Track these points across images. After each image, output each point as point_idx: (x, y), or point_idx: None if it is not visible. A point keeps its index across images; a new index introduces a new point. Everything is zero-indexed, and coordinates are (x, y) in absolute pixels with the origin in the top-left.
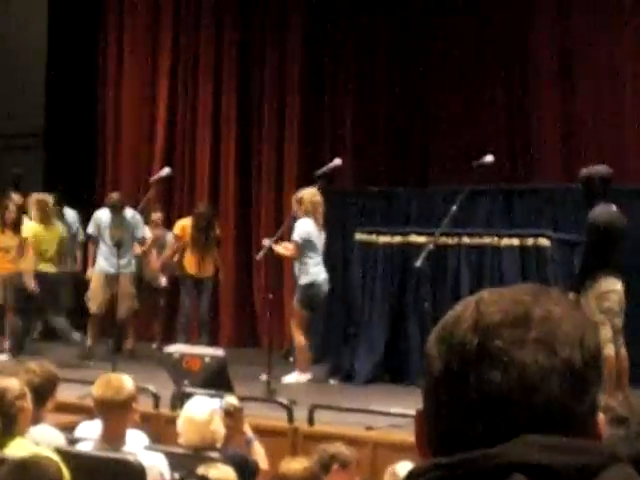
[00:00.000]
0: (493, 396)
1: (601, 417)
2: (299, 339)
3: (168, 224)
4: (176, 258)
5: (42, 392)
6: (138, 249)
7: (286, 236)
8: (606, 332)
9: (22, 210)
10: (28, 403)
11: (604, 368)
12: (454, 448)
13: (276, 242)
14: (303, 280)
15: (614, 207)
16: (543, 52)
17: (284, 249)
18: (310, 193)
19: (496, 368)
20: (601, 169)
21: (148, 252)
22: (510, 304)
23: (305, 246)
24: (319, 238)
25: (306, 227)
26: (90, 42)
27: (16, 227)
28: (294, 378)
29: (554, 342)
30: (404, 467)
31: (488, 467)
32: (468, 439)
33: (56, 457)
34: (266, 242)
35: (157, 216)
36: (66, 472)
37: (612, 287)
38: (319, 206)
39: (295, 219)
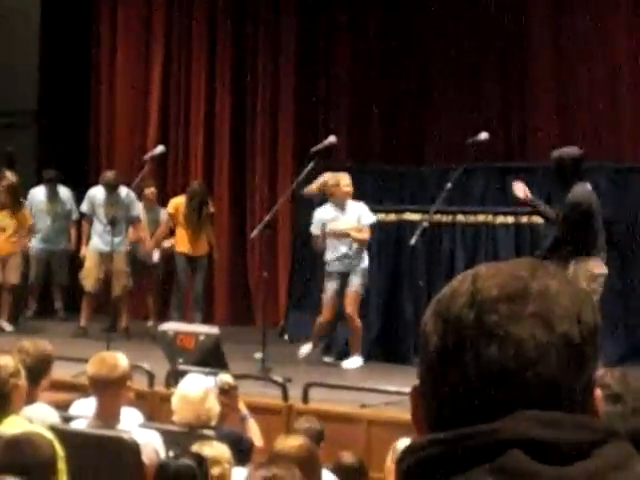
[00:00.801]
0: (490, 371)
1: (598, 393)
2: (359, 324)
3: (162, 202)
4: (167, 241)
5: (36, 371)
6: (132, 235)
7: (282, 220)
8: None
9: (17, 188)
10: (22, 381)
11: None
12: (451, 424)
13: (268, 227)
14: (364, 264)
15: (589, 186)
16: (540, 30)
17: (361, 235)
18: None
19: (493, 343)
20: (572, 150)
21: (143, 234)
22: (507, 279)
23: None
24: None
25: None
26: (84, 19)
27: (13, 206)
28: (358, 362)
29: (551, 317)
30: (404, 443)
31: (485, 442)
32: (465, 415)
33: (50, 434)
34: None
35: (150, 191)
36: (60, 449)
37: (602, 271)
38: None
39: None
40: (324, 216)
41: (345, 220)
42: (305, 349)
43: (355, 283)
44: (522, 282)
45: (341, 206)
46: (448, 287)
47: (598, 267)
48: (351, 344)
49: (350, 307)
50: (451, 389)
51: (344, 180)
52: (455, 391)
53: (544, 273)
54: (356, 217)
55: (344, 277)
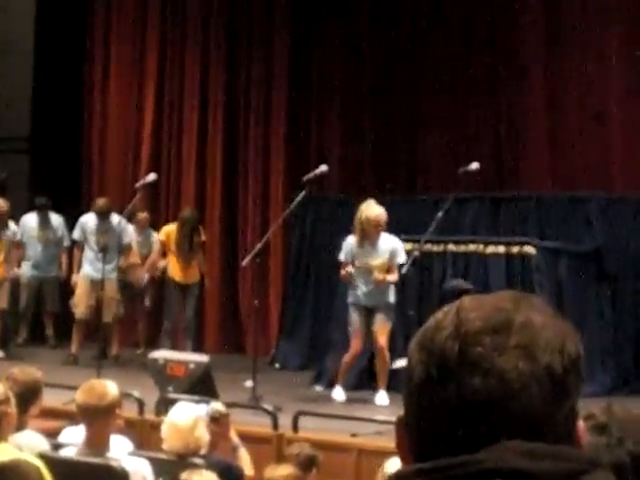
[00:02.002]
0: (474, 402)
1: (581, 423)
2: (389, 357)
3: (154, 229)
4: (161, 265)
5: (26, 398)
6: (124, 263)
7: (274, 248)
8: None
9: (8, 214)
10: (12, 408)
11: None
12: (435, 454)
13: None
14: (392, 298)
15: None
16: (531, 61)
17: (391, 276)
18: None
19: (476, 374)
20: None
21: (134, 262)
22: (491, 311)
23: None
24: None
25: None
26: (77, 48)
27: (2, 233)
28: (386, 399)
29: (534, 349)
30: (393, 464)
31: (469, 472)
32: (449, 445)
33: (39, 462)
34: None
35: (143, 216)
36: (49, 477)
37: None
38: None
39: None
40: (354, 247)
41: (376, 255)
42: (337, 393)
43: (384, 316)
44: (505, 314)
45: (377, 238)
46: (433, 319)
47: None
48: (379, 378)
49: (382, 339)
50: (435, 420)
51: (371, 212)
52: (439, 422)
53: (527, 305)
54: (388, 253)
55: (370, 311)
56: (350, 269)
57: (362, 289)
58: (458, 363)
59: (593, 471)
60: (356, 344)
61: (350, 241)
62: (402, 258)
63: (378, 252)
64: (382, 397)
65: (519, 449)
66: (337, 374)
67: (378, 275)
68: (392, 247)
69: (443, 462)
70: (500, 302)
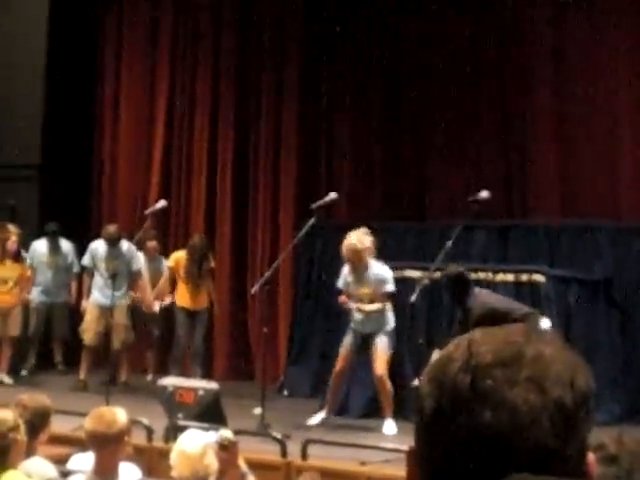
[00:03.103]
0: (484, 435)
1: (591, 456)
2: (390, 386)
3: (164, 256)
4: (167, 298)
5: (35, 424)
6: (135, 293)
7: (283, 275)
8: None
9: (20, 241)
10: (22, 435)
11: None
12: None
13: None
14: (390, 325)
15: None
16: (542, 89)
17: (374, 306)
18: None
19: (487, 408)
20: (453, 269)
21: (144, 289)
22: (502, 344)
23: None
24: None
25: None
26: (88, 74)
27: (15, 258)
28: (393, 428)
29: (545, 382)
30: None
31: None
32: (459, 477)
33: None
34: None
35: (152, 244)
36: None
37: None
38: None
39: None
40: (347, 275)
41: (363, 284)
42: (317, 418)
43: (381, 343)
44: (516, 347)
45: (361, 267)
46: (444, 352)
47: None
48: (383, 407)
49: (379, 368)
50: (445, 452)
51: (345, 241)
52: (449, 454)
53: (538, 339)
54: (375, 283)
55: (367, 338)
56: (344, 298)
57: (357, 317)
58: (469, 396)
59: None
60: (340, 364)
61: (345, 270)
62: (389, 287)
63: (366, 281)
64: (389, 426)
65: None
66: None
67: (366, 307)
68: (379, 276)
69: None
70: (511, 335)
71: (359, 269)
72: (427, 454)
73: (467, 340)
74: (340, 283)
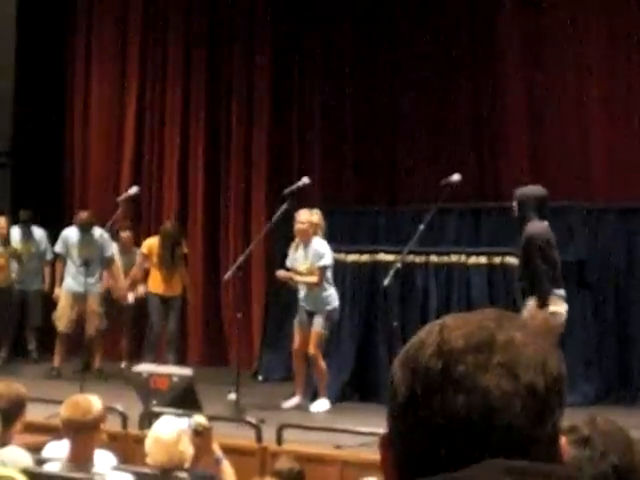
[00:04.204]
0: (457, 421)
1: (563, 440)
2: (323, 366)
3: (136, 243)
4: (141, 286)
5: (10, 414)
6: (107, 280)
7: (256, 260)
8: None
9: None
10: None
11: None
12: (419, 472)
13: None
14: (330, 304)
15: (546, 224)
16: (511, 71)
17: (310, 278)
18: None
19: (460, 393)
20: (536, 189)
21: (117, 276)
22: (473, 329)
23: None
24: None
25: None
26: (58, 59)
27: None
28: (325, 405)
29: (517, 367)
30: None
31: None
32: (432, 463)
33: (23, 478)
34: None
35: (126, 235)
36: None
37: (559, 309)
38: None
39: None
40: (291, 253)
41: (303, 260)
42: (292, 401)
43: (317, 323)
44: (488, 332)
45: (304, 244)
46: (416, 337)
47: (555, 304)
48: (317, 386)
49: (312, 348)
50: (418, 438)
51: (299, 216)
52: (422, 440)
53: (510, 324)
54: (313, 258)
55: (310, 316)
56: (280, 272)
57: (301, 294)
58: (441, 381)
59: None
60: (295, 343)
61: (291, 248)
62: (323, 261)
63: (307, 256)
64: (317, 404)
65: (502, 467)
66: (323, 384)
67: (299, 279)
68: (317, 251)
69: None
70: (483, 320)
71: (304, 245)
72: (400, 440)
73: (439, 325)
74: (288, 261)
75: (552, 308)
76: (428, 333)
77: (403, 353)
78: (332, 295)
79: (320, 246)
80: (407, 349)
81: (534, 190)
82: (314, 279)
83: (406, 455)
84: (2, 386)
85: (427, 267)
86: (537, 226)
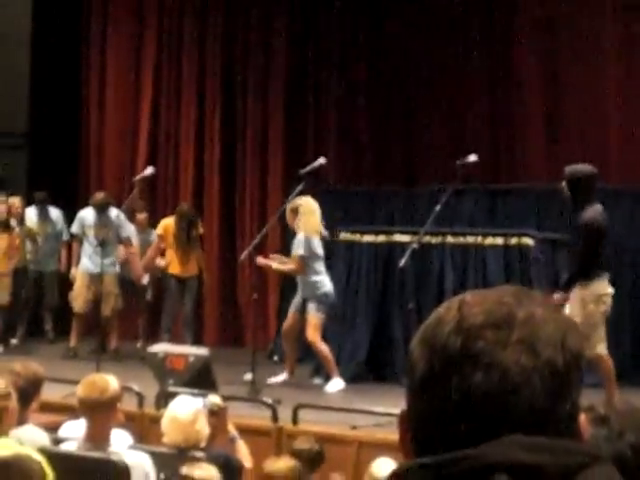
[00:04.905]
0: (476, 397)
1: (582, 417)
2: (323, 348)
3: (152, 223)
4: (159, 260)
5: (27, 393)
6: (122, 253)
7: (272, 241)
8: (602, 332)
9: (9, 210)
10: (13, 403)
11: (604, 369)
12: (437, 449)
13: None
14: (321, 289)
15: (600, 207)
16: (527, 51)
17: (283, 266)
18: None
19: (478, 369)
20: (585, 168)
21: (133, 255)
22: (493, 306)
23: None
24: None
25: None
26: (75, 40)
27: (5, 227)
28: (339, 384)
29: (536, 343)
30: (381, 463)
31: (471, 467)
32: (451, 440)
33: (40, 457)
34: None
35: (142, 216)
36: (49, 471)
37: (608, 290)
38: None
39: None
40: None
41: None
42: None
43: (311, 309)
44: (507, 309)
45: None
46: (435, 314)
47: (603, 287)
48: (326, 369)
49: (309, 334)
50: (437, 414)
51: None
52: (441, 416)
53: (529, 300)
54: (293, 246)
55: (305, 301)
56: (262, 260)
57: (298, 280)
58: (460, 358)
59: (594, 464)
60: (285, 323)
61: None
62: (297, 250)
63: (292, 244)
64: (331, 385)
65: (521, 443)
66: (330, 365)
67: (276, 266)
68: (296, 240)
69: (445, 457)
70: (502, 297)
71: (295, 232)
72: (419, 417)
73: (458, 302)
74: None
75: (600, 290)
76: (447, 310)
77: (422, 330)
78: (322, 281)
79: (299, 235)
80: (426, 326)
81: (584, 169)
82: (290, 267)
83: (424, 432)
84: (20, 365)
85: (443, 248)
86: (595, 210)
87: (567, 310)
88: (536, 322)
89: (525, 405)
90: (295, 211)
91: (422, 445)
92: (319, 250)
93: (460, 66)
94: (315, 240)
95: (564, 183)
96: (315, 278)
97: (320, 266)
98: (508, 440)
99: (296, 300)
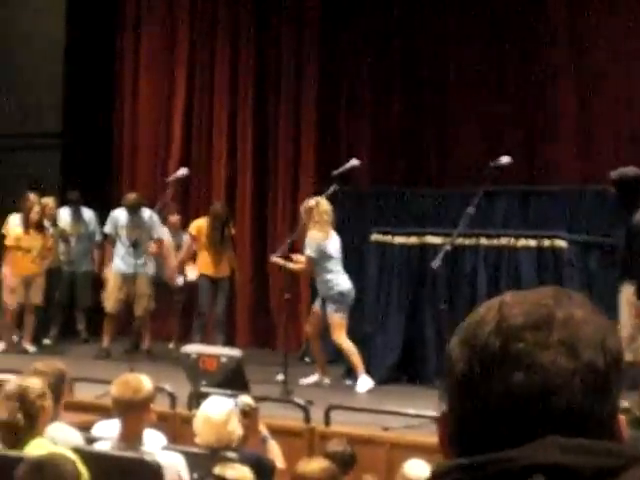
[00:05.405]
0: (516, 398)
1: (622, 418)
2: (348, 346)
3: (185, 224)
4: (191, 268)
5: (57, 389)
6: (153, 248)
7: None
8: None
9: (43, 211)
10: (49, 402)
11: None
12: (477, 449)
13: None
14: (337, 288)
15: None
16: (561, 53)
17: (293, 265)
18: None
19: (518, 370)
20: (632, 170)
21: (167, 256)
22: (533, 306)
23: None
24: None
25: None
26: (108, 41)
27: (39, 227)
28: (368, 382)
29: (576, 344)
30: (413, 465)
31: (510, 468)
32: (490, 440)
33: (74, 456)
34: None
35: (174, 218)
36: (83, 471)
37: None
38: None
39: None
40: None
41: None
42: (310, 378)
43: (330, 309)
44: (547, 310)
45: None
46: (474, 314)
47: None
48: (353, 368)
49: (333, 335)
50: (477, 415)
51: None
52: (481, 417)
53: (569, 301)
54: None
55: (324, 301)
56: (275, 258)
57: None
58: (500, 359)
59: (634, 466)
60: (309, 324)
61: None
62: (306, 251)
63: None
64: (360, 384)
65: (561, 444)
66: (356, 362)
67: (287, 265)
68: (307, 240)
69: (484, 457)
70: (542, 298)
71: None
72: (459, 417)
73: (498, 303)
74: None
75: None
76: (487, 310)
77: (461, 330)
78: (335, 280)
79: (309, 235)
80: (465, 326)
81: (631, 171)
82: (299, 266)
83: (463, 432)
84: (42, 364)
85: (476, 249)
86: None
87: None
88: (576, 323)
89: (565, 406)
90: (309, 211)
91: (461, 446)
92: (332, 250)
93: (493, 68)
94: (326, 240)
95: (612, 187)
96: (328, 277)
97: (334, 265)
98: (547, 441)
99: (317, 300)
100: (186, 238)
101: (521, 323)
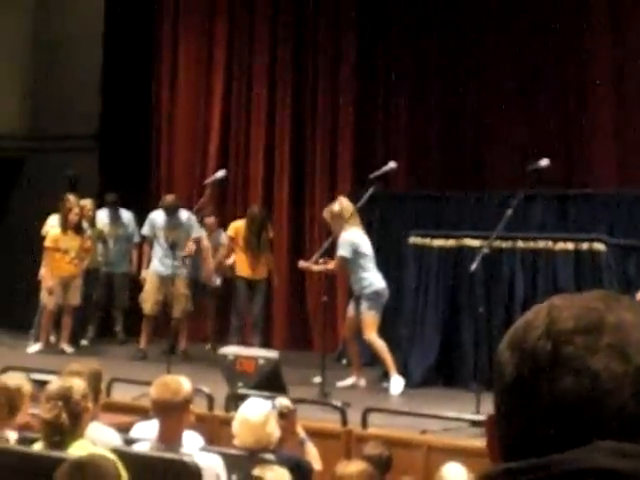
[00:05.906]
0: (565, 402)
1: None
2: (379, 345)
3: (222, 226)
4: (230, 260)
5: (95, 389)
6: (190, 247)
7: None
8: None
9: (82, 212)
10: (90, 403)
11: None
12: (525, 454)
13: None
14: (371, 287)
15: None
16: (599, 56)
17: (321, 266)
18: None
19: (568, 374)
20: None
21: (205, 257)
22: (582, 310)
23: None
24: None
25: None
26: (146, 43)
27: (78, 229)
28: (399, 382)
29: (627, 349)
30: (451, 468)
31: (559, 472)
32: (539, 445)
33: (113, 457)
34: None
35: (210, 221)
36: (123, 472)
37: None
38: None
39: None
40: (330, 243)
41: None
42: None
43: (363, 307)
44: (597, 314)
45: (336, 233)
46: (523, 318)
47: None
48: (385, 367)
49: (364, 333)
50: (526, 419)
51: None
52: (530, 421)
53: (618, 305)
54: (338, 247)
55: (358, 300)
56: (302, 263)
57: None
58: (550, 363)
59: None
60: (345, 327)
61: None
62: (339, 251)
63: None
64: (393, 385)
65: (611, 449)
66: (387, 361)
67: (314, 267)
68: (340, 240)
69: (533, 462)
70: (591, 301)
71: (337, 234)
72: (507, 421)
73: (547, 306)
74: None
75: None
76: (536, 314)
77: (510, 333)
78: (369, 278)
79: (343, 236)
80: (514, 330)
81: None
82: (329, 267)
83: (512, 436)
84: (77, 365)
85: (514, 252)
86: None
87: None
88: (626, 327)
89: (615, 411)
90: (337, 216)
91: (510, 450)
92: (364, 248)
93: (532, 71)
94: (357, 239)
95: None
96: (364, 275)
97: (368, 263)
98: (597, 446)
99: (351, 302)
100: (224, 239)
101: (571, 327)
